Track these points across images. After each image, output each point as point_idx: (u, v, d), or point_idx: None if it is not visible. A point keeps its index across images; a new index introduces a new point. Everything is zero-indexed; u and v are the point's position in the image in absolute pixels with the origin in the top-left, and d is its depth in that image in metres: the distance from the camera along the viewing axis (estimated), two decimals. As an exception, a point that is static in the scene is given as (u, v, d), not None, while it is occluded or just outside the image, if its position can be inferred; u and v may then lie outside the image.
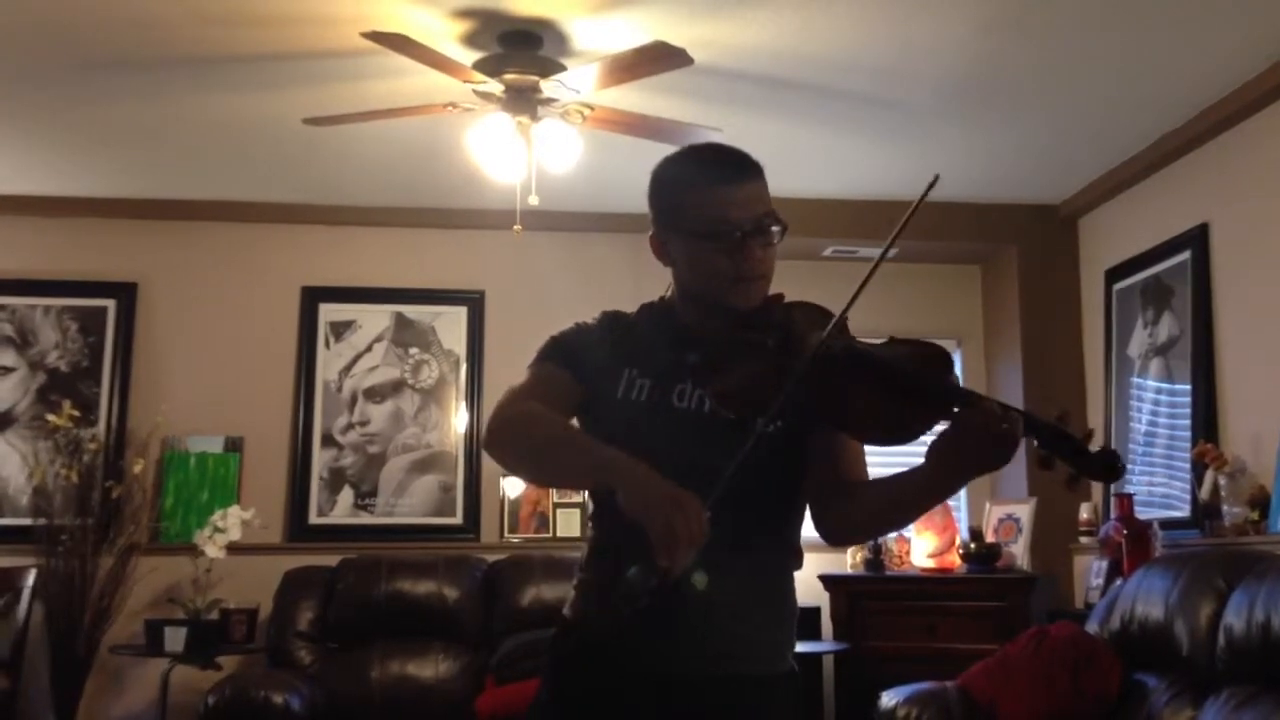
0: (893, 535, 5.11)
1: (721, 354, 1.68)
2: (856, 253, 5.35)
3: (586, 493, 1.85)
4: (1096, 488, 5.06)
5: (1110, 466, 1.52)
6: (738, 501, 1.59)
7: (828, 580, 4.88)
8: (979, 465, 1.56)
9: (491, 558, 4.96)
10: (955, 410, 1.55)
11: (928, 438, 1.59)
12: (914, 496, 1.65)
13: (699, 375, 1.70)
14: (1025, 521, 4.99)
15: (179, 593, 4.81)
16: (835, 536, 1.79)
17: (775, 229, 1.72)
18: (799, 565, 1.83)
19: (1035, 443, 1.53)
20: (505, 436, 1.73)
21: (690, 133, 3.91)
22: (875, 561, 5.00)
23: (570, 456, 1.68)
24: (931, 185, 1.63)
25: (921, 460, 1.61)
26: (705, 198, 1.71)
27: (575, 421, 1.79)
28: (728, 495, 1.55)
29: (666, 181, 1.79)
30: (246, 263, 5.39)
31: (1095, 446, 1.55)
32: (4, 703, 4.40)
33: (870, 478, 1.78)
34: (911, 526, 5.08)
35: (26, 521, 4.92)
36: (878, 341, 1.69)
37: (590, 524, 1.85)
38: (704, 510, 1.48)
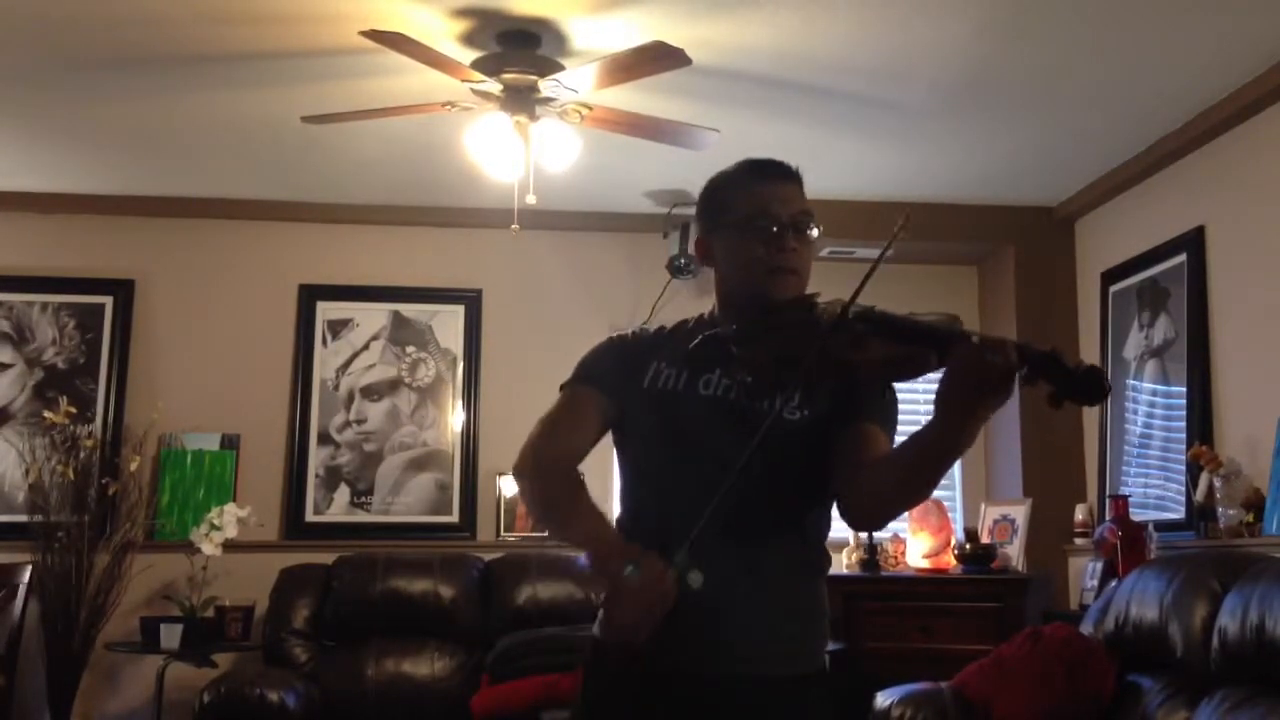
0: (887, 535, 5.12)
1: (749, 329, 1.76)
2: (854, 253, 5.34)
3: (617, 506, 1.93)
4: (1092, 489, 5.07)
5: (1094, 384, 1.46)
6: (756, 499, 1.68)
7: (823, 580, 4.88)
8: (978, 397, 1.50)
9: (488, 556, 4.96)
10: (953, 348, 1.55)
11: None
12: (929, 449, 1.60)
13: (724, 343, 1.77)
14: (1020, 522, 5.00)
15: (175, 590, 4.82)
16: (862, 518, 1.83)
17: (811, 229, 1.84)
18: (826, 564, 1.87)
19: (1025, 370, 1.49)
20: (521, 481, 1.90)
21: (688, 133, 3.92)
22: (871, 562, 5.00)
23: (558, 525, 1.85)
24: (903, 225, 1.68)
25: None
26: (747, 192, 1.86)
27: (610, 433, 1.90)
28: (746, 493, 1.64)
29: (716, 183, 1.94)
30: (244, 260, 5.39)
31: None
32: (-1, 699, 4.41)
33: None
34: (907, 527, 5.09)
35: (22, 518, 4.91)
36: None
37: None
38: (668, 570, 1.59)
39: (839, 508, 1.80)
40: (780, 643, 1.76)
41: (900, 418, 1.86)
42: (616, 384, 1.86)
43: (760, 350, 1.71)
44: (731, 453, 1.67)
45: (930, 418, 1.57)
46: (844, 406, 1.77)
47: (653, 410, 1.82)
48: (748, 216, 1.82)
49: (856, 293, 1.66)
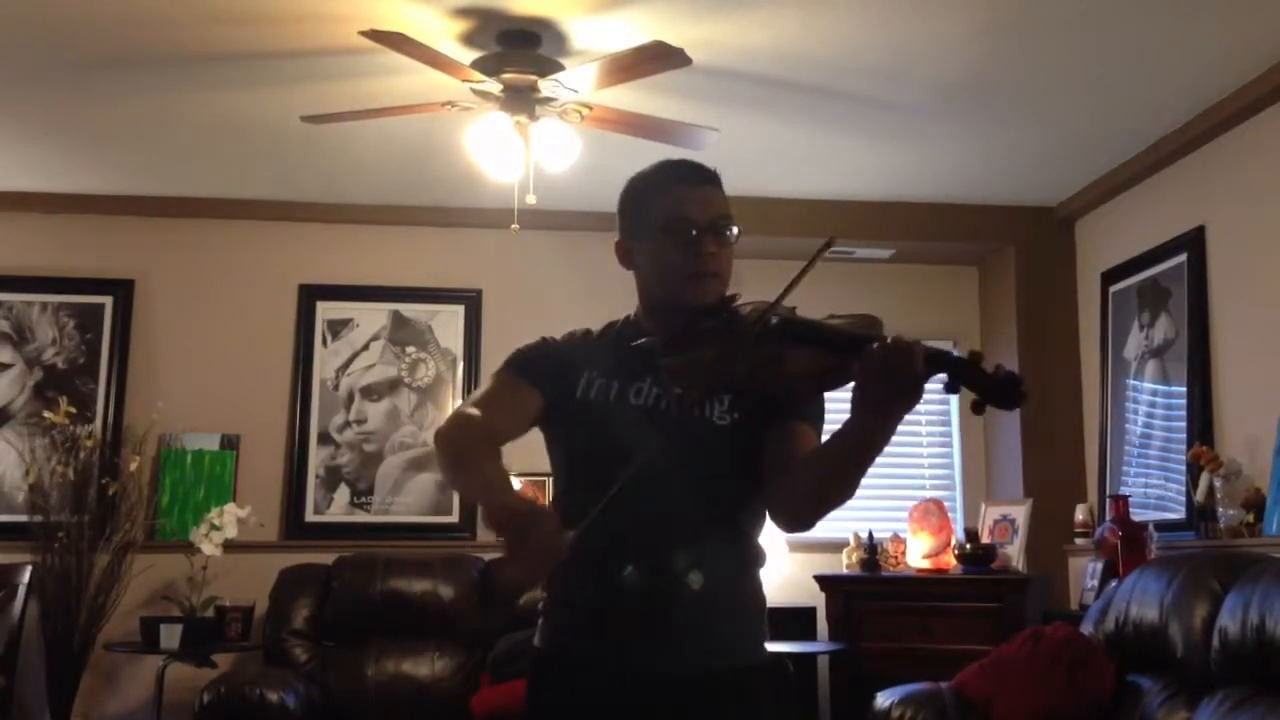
0: (887, 535, 5.12)
1: (673, 339, 1.75)
2: (853, 253, 5.35)
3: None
4: (1092, 489, 5.07)
5: (1010, 389, 1.45)
6: (694, 500, 1.72)
7: (823, 580, 4.88)
8: (886, 401, 1.51)
9: (487, 556, 4.96)
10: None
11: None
12: (846, 450, 1.60)
13: (652, 356, 1.76)
14: (1021, 522, 5.00)
15: (175, 590, 4.82)
16: (788, 518, 1.76)
17: (730, 231, 1.82)
18: (763, 558, 1.87)
19: (945, 378, 1.49)
20: (439, 442, 1.79)
21: (688, 133, 3.91)
22: (871, 562, 5.00)
23: (463, 472, 1.75)
24: (826, 246, 1.66)
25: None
26: (665, 196, 1.84)
27: (539, 428, 1.87)
28: (696, 494, 1.70)
29: (634, 186, 1.92)
30: (244, 260, 5.39)
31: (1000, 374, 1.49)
32: (-1, 699, 4.41)
33: None
34: (907, 527, 5.09)
35: (23, 518, 4.92)
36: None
37: None
38: (560, 526, 1.53)
39: (769, 510, 1.80)
40: (726, 636, 1.78)
41: (833, 410, 1.84)
42: (549, 384, 1.84)
43: (683, 362, 1.71)
44: (666, 459, 1.72)
45: (847, 417, 1.57)
46: (773, 406, 1.77)
47: (587, 421, 1.82)
48: (664, 221, 1.81)
49: (779, 299, 1.67)
